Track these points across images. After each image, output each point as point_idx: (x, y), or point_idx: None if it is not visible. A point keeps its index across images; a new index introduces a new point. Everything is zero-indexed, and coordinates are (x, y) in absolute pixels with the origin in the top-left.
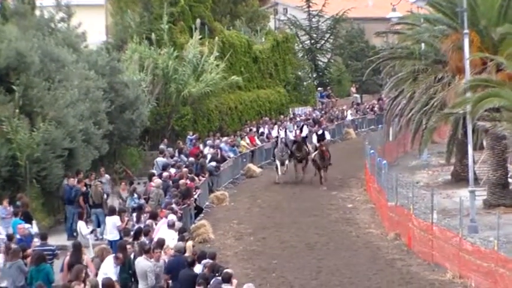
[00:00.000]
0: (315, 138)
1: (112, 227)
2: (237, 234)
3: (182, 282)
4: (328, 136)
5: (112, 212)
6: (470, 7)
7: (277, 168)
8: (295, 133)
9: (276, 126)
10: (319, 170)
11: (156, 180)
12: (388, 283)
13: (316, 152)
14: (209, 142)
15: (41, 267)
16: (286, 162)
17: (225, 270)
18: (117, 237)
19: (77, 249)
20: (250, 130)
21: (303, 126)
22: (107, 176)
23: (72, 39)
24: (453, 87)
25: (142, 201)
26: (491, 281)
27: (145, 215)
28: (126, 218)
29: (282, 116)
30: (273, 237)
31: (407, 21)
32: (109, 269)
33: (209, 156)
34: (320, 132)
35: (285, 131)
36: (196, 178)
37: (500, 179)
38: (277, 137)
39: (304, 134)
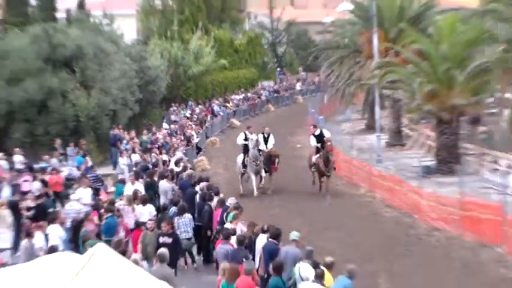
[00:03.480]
0: (313, 141)
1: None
2: (225, 166)
3: (187, 196)
4: (328, 133)
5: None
6: (378, 13)
7: (244, 179)
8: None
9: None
10: (321, 177)
11: (163, 130)
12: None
13: (317, 156)
14: (200, 107)
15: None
16: (262, 172)
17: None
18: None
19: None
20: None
21: (269, 135)
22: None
23: (114, 37)
24: (366, 67)
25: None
26: (390, 194)
27: (154, 154)
28: (146, 156)
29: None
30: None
31: (337, 24)
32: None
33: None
34: (318, 132)
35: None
36: (194, 126)
37: (397, 128)
38: (245, 144)
39: (270, 143)
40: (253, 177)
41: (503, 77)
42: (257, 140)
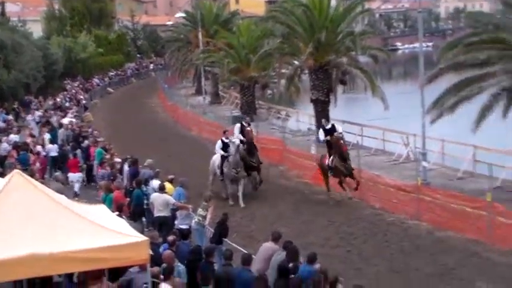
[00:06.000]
0: (322, 134)
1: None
2: (102, 118)
3: (74, 138)
4: (340, 128)
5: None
6: (201, 18)
7: (225, 188)
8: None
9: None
10: (343, 178)
11: (61, 96)
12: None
13: (332, 157)
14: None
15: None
16: (243, 180)
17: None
18: None
19: None
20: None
21: (249, 124)
22: None
23: (26, 34)
24: (195, 53)
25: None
26: (211, 134)
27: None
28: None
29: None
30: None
31: (175, 25)
32: None
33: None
34: (329, 126)
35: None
36: (82, 92)
37: (215, 91)
38: (225, 156)
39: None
40: (229, 185)
41: (280, 58)
42: (238, 145)
